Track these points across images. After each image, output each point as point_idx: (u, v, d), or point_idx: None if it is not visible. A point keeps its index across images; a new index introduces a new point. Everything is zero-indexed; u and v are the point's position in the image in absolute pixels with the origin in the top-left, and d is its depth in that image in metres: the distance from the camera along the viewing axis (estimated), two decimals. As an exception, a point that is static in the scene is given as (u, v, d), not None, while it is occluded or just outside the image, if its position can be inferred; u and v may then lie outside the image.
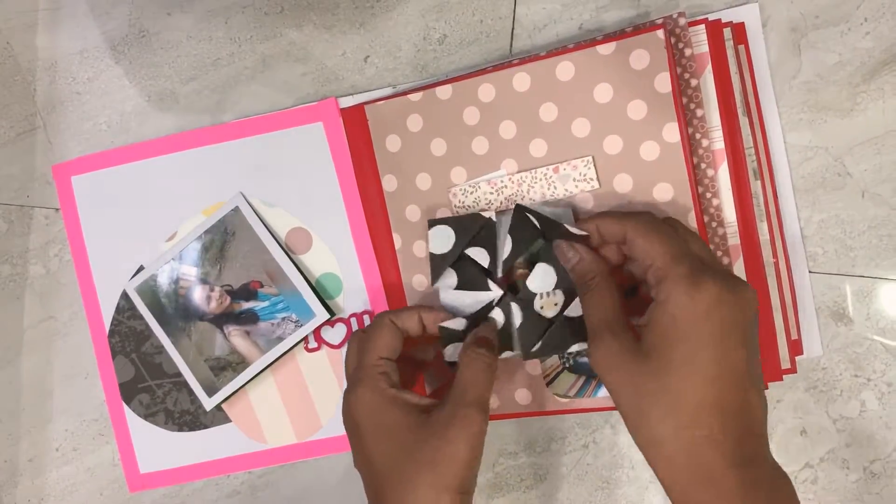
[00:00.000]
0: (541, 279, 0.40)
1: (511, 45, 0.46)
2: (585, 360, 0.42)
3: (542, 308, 0.40)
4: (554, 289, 0.40)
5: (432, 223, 0.42)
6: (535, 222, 0.40)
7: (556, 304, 0.40)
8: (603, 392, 0.42)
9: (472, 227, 0.42)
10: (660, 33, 0.38)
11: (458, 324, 0.41)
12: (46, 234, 0.50)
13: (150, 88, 0.49)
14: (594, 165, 0.40)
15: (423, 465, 0.35)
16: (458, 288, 0.42)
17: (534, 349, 0.40)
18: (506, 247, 0.41)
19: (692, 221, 0.39)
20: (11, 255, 0.50)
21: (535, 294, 0.40)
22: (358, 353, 0.40)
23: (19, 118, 0.50)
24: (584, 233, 0.38)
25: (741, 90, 0.41)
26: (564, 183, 0.41)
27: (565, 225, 0.38)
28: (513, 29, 0.46)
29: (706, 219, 0.40)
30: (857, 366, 0.44)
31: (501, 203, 0.43)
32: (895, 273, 0.43)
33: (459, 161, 0.43)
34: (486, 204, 0.43)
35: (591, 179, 0.41)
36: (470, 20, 0.46)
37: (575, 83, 0.40)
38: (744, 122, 0.41)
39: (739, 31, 0.42)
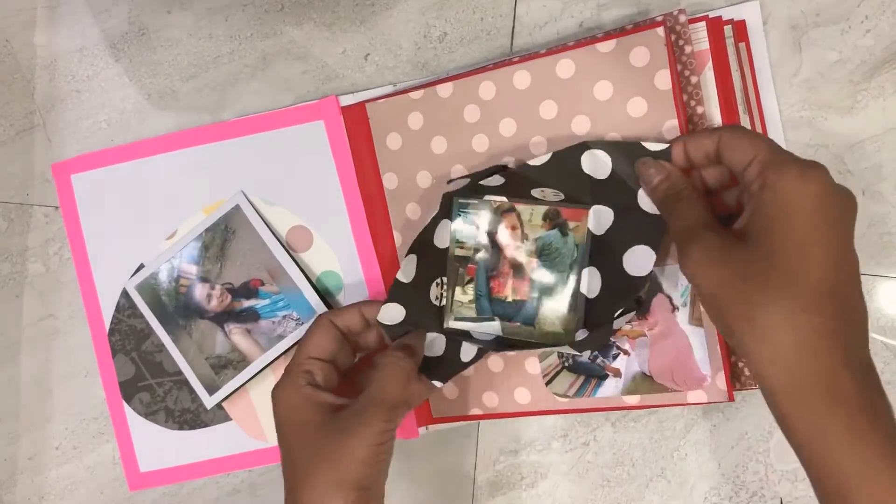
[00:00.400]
0: (587, 284, 0.40)
1: (511, 43, 0.46)
2: (584, 359, 0.42)
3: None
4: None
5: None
6: (607, 158, 0.38)
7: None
8: (601, 392, 0.42)
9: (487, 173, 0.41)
10: (660, 30, 0.38)
11: (397, 315, 0.41)
12: (46, 233, 0.50)
13: (149, 86, 0.49)
14: None
15: (322, 461, 0.35)
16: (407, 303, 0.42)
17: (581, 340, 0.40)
18: (541, 159, 0.40)
19: None
20: (11, 253, 0.50)
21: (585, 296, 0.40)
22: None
23: (19, 116, 0.50)
24: (664, 145, 0.36)
25: (742, 87, 0.41)
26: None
27: (642, 143, 0.37)
28: (513, 27, 0.46)
29: None
30: (857, 363, 0.44)
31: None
32: (895, 271, 0.43)
33: (460, 159, 0.43)
34: None
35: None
36: (470, 18, 0.46)
37: (575, 81, 0.40)
38: (744, 119, 0.41)
39: (740, 28, 0.42)
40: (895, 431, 0.28)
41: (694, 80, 0.39)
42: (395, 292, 0.42)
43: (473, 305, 0.42)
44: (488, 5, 0.46)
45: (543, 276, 0.41)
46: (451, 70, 0.46)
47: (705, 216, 0.34)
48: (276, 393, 0.39)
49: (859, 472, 0.27)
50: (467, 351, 0.41)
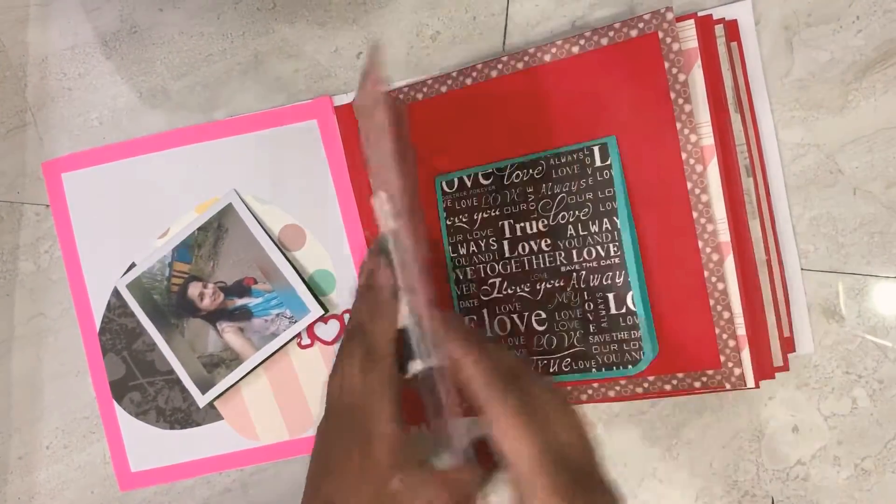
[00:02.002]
0: None
1: (504, 42, 0.46)
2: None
3: None
4: None
5: None
6: None
7: None
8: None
9: None
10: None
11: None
12: (37, 231, 0.50)
13: (141, 84, 0.49)
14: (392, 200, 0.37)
15: None
16: None
17: None
18: None
19: (683, 217, 0.39)
20: (2, 251, 0.50)
21: None
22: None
23: (10, 114, 0.50)
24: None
25: (733, 87, 0.41)
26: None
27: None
28: (506, 26, 0.46)
29: (695, 215, 0.40)
30: (848, 363, 0.44)
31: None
32: (886, 271, 0.43)
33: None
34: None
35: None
36: (463, 17, 0.46)
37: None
38: (736, 118, 0.41)
39: (732, 28, 0.42)
40: None
41: (682, 77, 0.39)
42: None
43: None
44: (481, 4, 0.46)
45: None
46: (445, 69, 0.46)
47: None
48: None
49: None
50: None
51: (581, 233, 0.42)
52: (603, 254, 0.41)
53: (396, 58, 0.47)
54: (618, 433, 0.47)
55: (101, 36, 0.49)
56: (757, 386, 0.40)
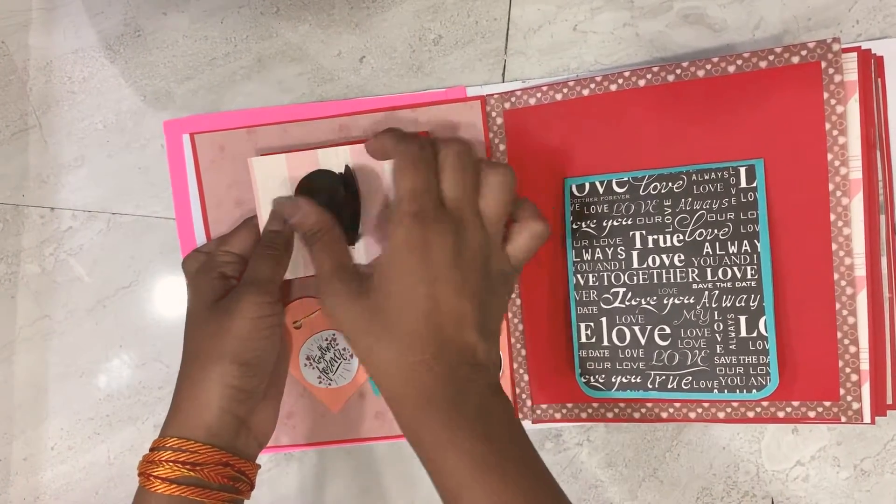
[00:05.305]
0: None
1: (506, 47, 0.46)
2: None
3: None
4: None
5: None
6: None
7: None
8: None
9: None
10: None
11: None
12: (42, 234, 0.50)
13: (145, 88, 0.49)
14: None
15: (206, 337, 0.40)
16: None
17: None
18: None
19: (822, 247, 0.40)
20: (6, 254, 0.50)
21: None
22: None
23: (14, 117, 0.50)
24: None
25: (878, 123, 0.41)
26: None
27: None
28: (508, 30, 0.46)
29: (834, 247, 0.40)
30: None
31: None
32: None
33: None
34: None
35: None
36: (465, 21, 0.47)
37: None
38: (877, 154, 0.41)
39: (879, 64, 0.42)
40: (488, 431, 0.35)
41: (840, 109, 0.39)
42: None
43: None
44: (483, 8, 0.46)
45: None
46: (445, 73, 0.47)
47: (338, 260, 0.39)
48: (195, 277, 0.43)
49: (461, 472, 0.34)
50: None
51: (718, 252, 0.41)
52: (739, 275, 0.41)
53: (399, 61, 0.47)
54: (619, 433, 0.47)
55: (105, 39, 0.49)
56: (873, 422, 0.40)
